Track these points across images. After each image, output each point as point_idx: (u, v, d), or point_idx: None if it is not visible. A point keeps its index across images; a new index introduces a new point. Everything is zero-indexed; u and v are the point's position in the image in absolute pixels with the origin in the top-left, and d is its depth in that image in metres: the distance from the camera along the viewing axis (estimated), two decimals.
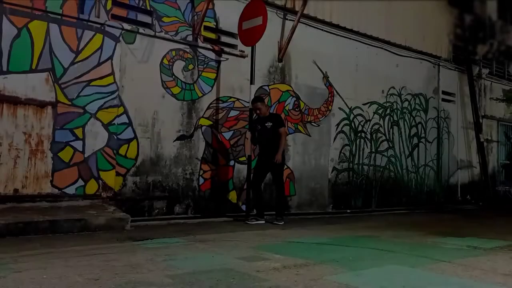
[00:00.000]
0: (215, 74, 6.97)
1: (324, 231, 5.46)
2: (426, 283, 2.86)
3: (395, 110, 9.80)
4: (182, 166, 6.60)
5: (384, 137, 9.53)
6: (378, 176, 9.34)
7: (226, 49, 7.11)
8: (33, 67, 5.40)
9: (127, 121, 6.10)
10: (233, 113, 7.15)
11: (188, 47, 6.70)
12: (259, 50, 6.91)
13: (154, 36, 6.36)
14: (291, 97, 7.97)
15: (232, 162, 7.11)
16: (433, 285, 2.83)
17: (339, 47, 8.69)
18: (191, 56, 6.73)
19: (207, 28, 6.97)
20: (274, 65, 7.73)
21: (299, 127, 8.06)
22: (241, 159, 7.16)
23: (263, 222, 6.09)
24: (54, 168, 5.51)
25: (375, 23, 9.27)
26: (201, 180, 6.78)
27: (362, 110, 9.10)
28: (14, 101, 5.27)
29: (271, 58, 7.69)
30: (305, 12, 7.74)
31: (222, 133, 7.02)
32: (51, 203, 5.33)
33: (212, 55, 6.94)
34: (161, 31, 6.45)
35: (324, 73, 8.45)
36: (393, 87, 9.74)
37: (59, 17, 5.56)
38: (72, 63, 5.66)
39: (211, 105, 6.92)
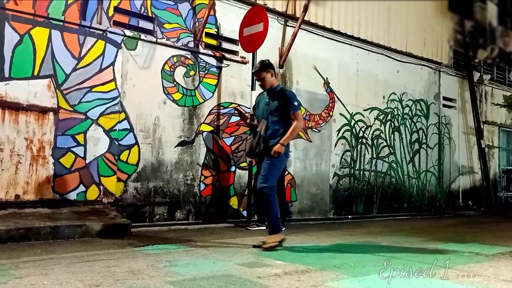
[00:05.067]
0: (216, 80, 7.00)
1: (326, 237, 5.45)
2: None
3: (396, 116, 9.81)
4: (183, 172, 6.60)
5: (385, 143, 9.53)
6: (379, 182, 9.33)
7: (227, 55, 7.13)
8: (35, 73, 5.42)
9: (129, 127, 6.11)
10: (234, 119, 7.15)
11: (190, 53, 6.73)
12: (260, 56, 6.90)
13: (156, 43, 6.39)
14: None
15: (233, 168, 7.11)
16: None
17: (340, 53, 8.72)
18: (192, 62, 6.75)
19: (208, 35, 7.00)
20: (275, 71, 7.73)
21: (300, 133, 8.06)
22: (242, 165, 7.16)
23: (264, 228, 6.05)
24: (56, 174, 5.52)
25: (375, 29, 9.31)
26: (202, 186, 6.78)
27: (363, 116, 9.11)
28: (16, 107, 5.29)
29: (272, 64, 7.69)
30: (305, 18, 7.78)
31: (223, 139, 7.03)
32: (52, 209, 5.32)
33: (213, 61, 6.97)
34: (163, 38, 6.48)
35: (325, 79, 8.47)
36: (394, 93, 9.76)
37: (61, 23, 5.59)
38: (74, 70, 5.69)
39: (212, 111, 6.93)
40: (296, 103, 4.48)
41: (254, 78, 4.98)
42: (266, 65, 4.65)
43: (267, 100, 4.63)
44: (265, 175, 4.32)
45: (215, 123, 6.96)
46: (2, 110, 5.21)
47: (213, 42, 7.08)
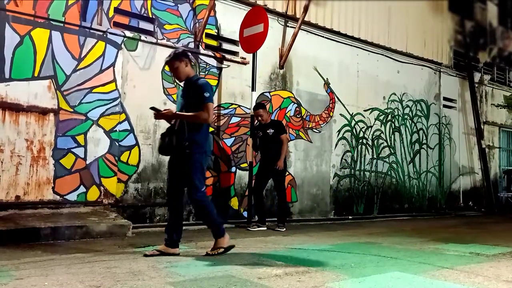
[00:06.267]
0: (216, 81, 7.00)
1: (326, 237, 5.45)
2: None
3: (397, 116, 9.81)
4: None
5: (385, 143, 9.53)
6: (379, 182, 9.33)
7: (228, 56, 7.13)
8: (36, 74, 5.42)
9: (129, 128, 6.11)
10: (234, 120, 7.16)
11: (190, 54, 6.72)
12: (260, 57, 6.94)
13: (156, 44, 6.39)
14: (293, 103, 7.98)
15: (233, 169, 7.11)
16: None
17: (340, 53, 8.72)
18: (192, 63, 6.74)
19: (208, 35, 7.00)
20: (275, 72, 7.76)
21: (301, 133, 8.07)
22: (242, 165, 7.16)
23: (265, 228, 6.08)
24: (56, 175, 5.52)
25: (375, 30, 9.31)
26: None
27: (364, 116, 9.10)
28: (16, 108, 5.29)
29: (272, 64, 7.72)
30: (306, 19, 7.78)
31: (224, 140, 7.03)
32: (52, 210, 5.32)
33: (213, 62, 6.97)
34: (163, 39, 6.48)
35: (325, 79, 8.47)
36: (394, 93, 9.76)
37: (62, 24, 5.59)
38: (74, 71, 5.69)
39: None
40: (207, 94, 3.97)
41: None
42: (179, 54, 4.17)
43: (181, 92, 4.20)
44: (190, 183, 3.92)
45: (216, 123, 6.96)
46: (3, 111, 5.21)
47: (213, 43, 7.09)
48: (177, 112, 3.99)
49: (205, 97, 3.95)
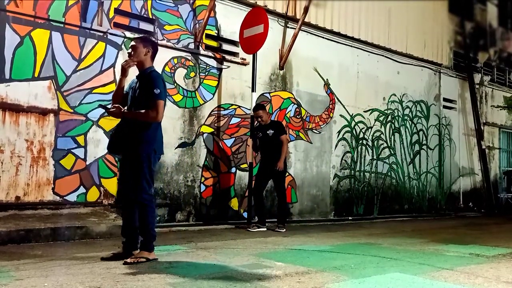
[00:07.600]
0: (216, 82, 7.00)
1: (326, 238, 5.45)
2: None
3: (396, 117, 9.82)
4: (184, 173, 6.60)
5: (385, 144, 9.53)
6: (379, 183, 9.33)
7: (228, 57, 7.14)
8: (36, 75, 5.42)
9: None
10: (234, 120, 7.16)
11: (190, 54, 6.73)
12: (261, 58, 6.94)
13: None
14: (293, 104, 7.99)
15: (233, 169, 7.12)
16: None
17: (340, 54, 8.73)
18: (192, 64, 6.76)
19: (208, 36, 7.01)
20: (275, 73, 7.76)
21: (301, 134, 8.07)
22: (242, 166, 7.16)
23: (265, 229, 6.07)
24: (56, 176, 5.52)
25: (376, 31, 9.32)
26: (203, 187, 6.78)
27: (363, 117, 9.11)
28: (17, 109, 5.29)
29: (273, 65, 7.72)
30: (306, 20, 7.79)
31: (224, 140, 7.03)
32: (52, 211, 5.32)
33: (213, 62, 6.97)
34: (163, 39, 6.48)
35: (325, 80, 8.47)
36: (394, 94, 9.76)
37: (62, 25, 5.60)
38: (75, 71, 5.69)
39: (212, 113, 6.94)
40: (157, 91, 3.63)
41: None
42: (147, 39, 3.90)
43: (134, 84, 3.84)
44: (137, 184, 3.60)
45: (216, 124, 6.96)
46: (3, 112, 5.21)
47: (213, 43, 7.09)
48: (124, 111, 3.70)
49: (155, 94, 3.62)
